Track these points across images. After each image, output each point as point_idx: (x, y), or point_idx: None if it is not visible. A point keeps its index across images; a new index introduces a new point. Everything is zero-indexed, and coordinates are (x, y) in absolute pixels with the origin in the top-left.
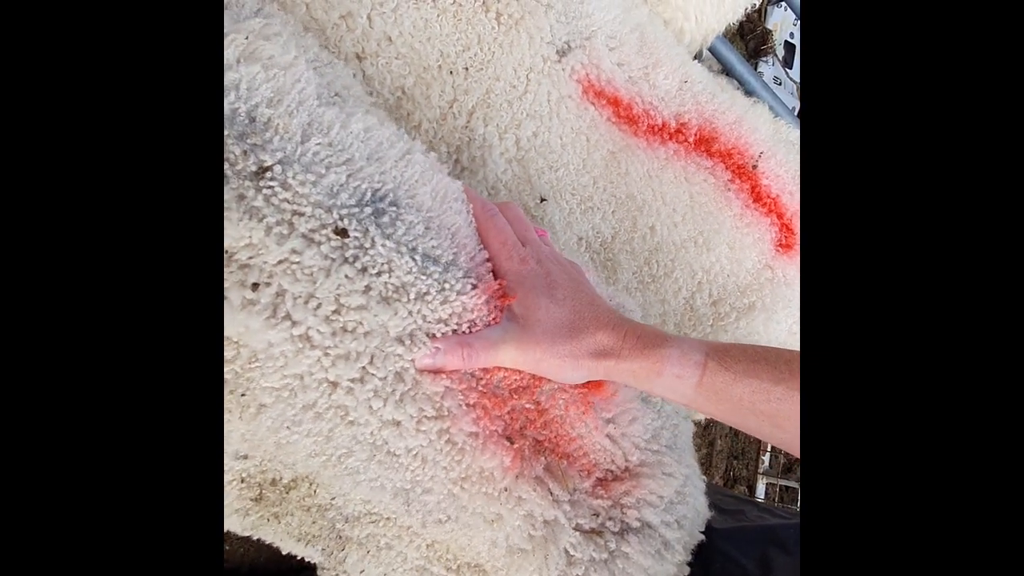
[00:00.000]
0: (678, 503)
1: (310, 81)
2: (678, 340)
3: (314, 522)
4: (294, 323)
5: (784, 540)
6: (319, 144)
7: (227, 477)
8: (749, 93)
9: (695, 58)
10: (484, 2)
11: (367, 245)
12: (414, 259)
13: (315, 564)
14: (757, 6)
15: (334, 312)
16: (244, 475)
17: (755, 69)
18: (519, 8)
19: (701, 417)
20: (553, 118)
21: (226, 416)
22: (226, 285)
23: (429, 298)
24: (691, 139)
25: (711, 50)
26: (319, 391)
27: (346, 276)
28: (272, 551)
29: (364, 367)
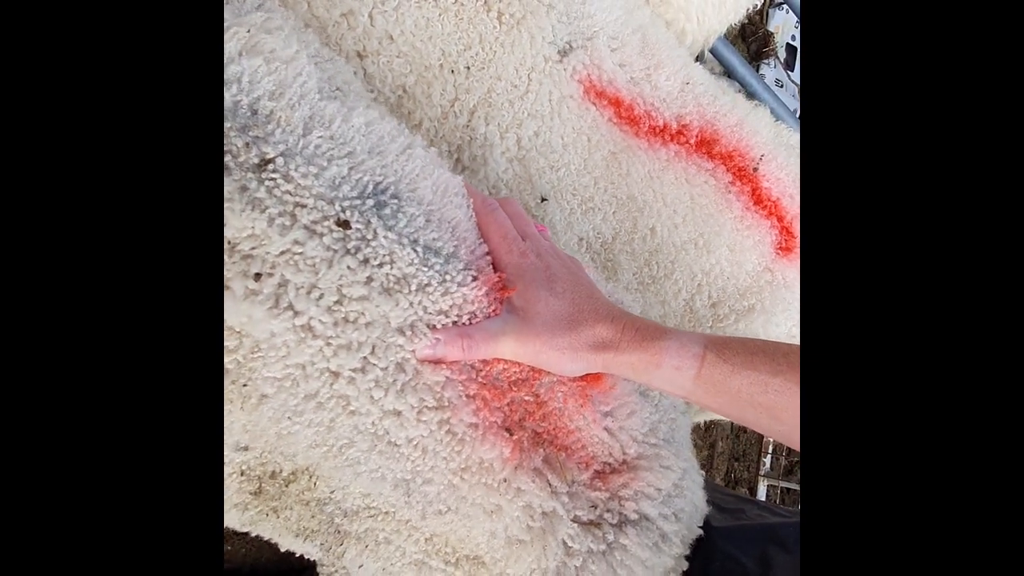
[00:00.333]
0: (676, 496)
1: (311, 75)
2: (676, 333)
3: (313, 516)
4: (296, 313)
5: (784, 538)
6: (321, 137)
7: (227, 470)
8: (751, 95)
9: (697, 60)
10: (486, 1)
11: (369, 237)
12: (416, 251)
13: (315, 562)
14: (758, 7)
15: (336, 303)
16: (244, 468)
17: (757, 71)
18: (521, 8)
19: (702, 419)
20: (554, 118)
21: (227, 406)
22: (229, 275)
23: (430, 289)
24: (692, 141)
25: (713, 52)
26: (321, 381)
27: (348, 267)
28: (273, 551)
29: (366, 357)
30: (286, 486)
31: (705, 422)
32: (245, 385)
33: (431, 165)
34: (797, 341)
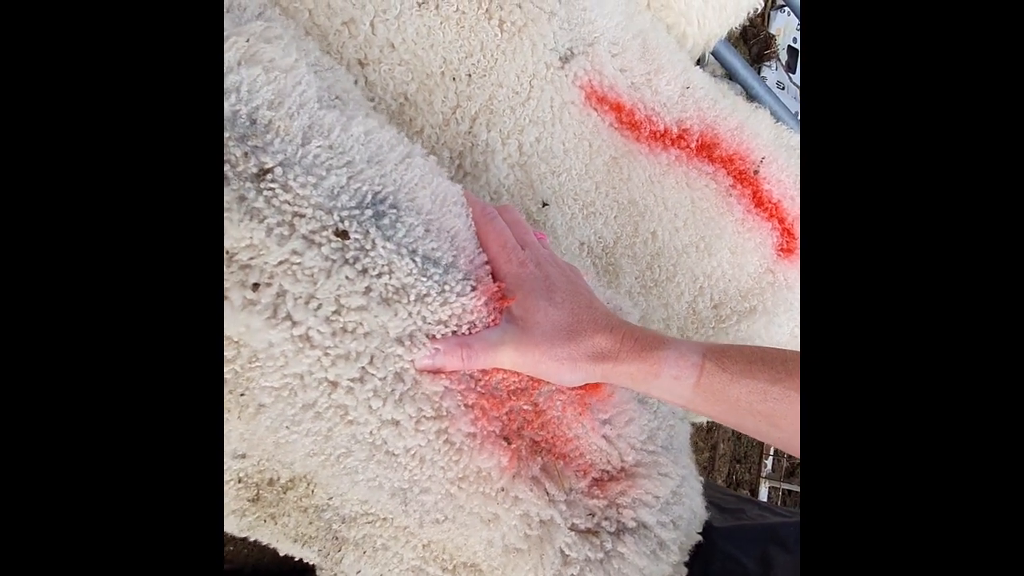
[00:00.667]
0: (674, 503)
1: (311, 84)
2: (675, 342)
3: (311, 523)
4: (294, 323)
5: (784, 538)
6: (320, 147)
7: (225, 477)
8: (752, 98)
9: (698, 63)
10: (487, 9)
11: (368, 247)
12: (414, 261)
13: (315, 565)
14: (759, 10)
15: (334, 313)
16: (242, 475)
17: (759, 74)
18: (522, 15)
19: (703, 420)
20: (556, 124)
21: (225, 415)
22: (227, 285)
23: (429, 299)
24: (693, 145)
25: (715, 55)
26: (319, 390)
27: (347, 277)
28: (275, 552)
29: (364, 367)
30: (284, 493)
31: (707, 423)
32: (243, 395)
33: (430, 174)
34: (798, 341)
